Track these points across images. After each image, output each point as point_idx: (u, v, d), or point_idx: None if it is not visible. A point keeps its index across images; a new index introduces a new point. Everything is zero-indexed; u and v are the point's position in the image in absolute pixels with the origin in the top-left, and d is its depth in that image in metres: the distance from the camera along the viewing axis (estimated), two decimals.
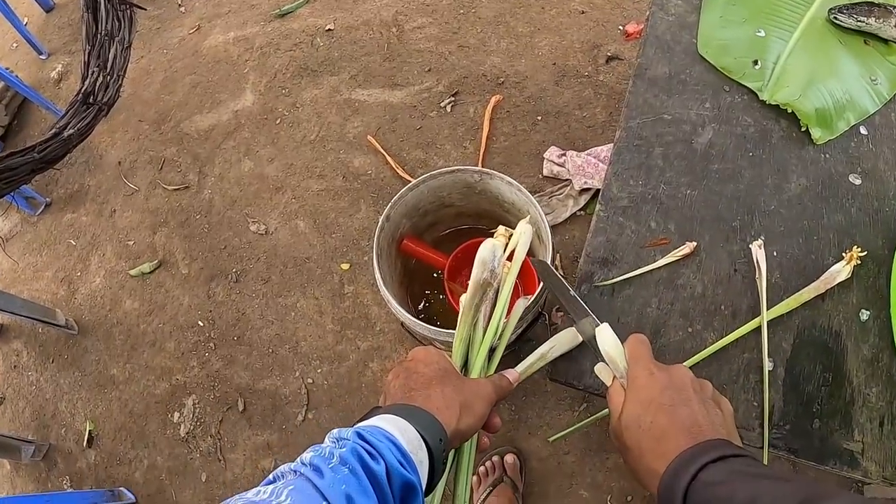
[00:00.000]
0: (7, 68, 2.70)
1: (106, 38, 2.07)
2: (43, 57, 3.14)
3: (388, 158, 2.43)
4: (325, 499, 0.49)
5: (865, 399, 0.94)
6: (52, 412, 2.33)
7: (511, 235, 0.96)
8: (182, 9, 3.15)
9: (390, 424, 0.59)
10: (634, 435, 0.70)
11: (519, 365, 0.88)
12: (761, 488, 0.56)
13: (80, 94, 1.98)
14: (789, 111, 1.15)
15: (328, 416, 2.11)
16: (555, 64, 2.54)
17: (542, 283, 1.48)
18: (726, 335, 0.97)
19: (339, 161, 2.50)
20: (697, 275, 1.03)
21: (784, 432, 0.92)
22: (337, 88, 2.66)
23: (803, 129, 1.14)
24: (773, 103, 1.16)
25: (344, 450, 0.55)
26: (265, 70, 2.79)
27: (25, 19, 3.26)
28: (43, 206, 2.70)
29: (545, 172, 2.31)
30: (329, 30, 2.81)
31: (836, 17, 1.23)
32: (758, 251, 1.00)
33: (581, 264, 1.06)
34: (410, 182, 1.61)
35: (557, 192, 2.25)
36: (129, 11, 2.17)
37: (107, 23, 2.07)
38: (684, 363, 0.94)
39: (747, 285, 1.02)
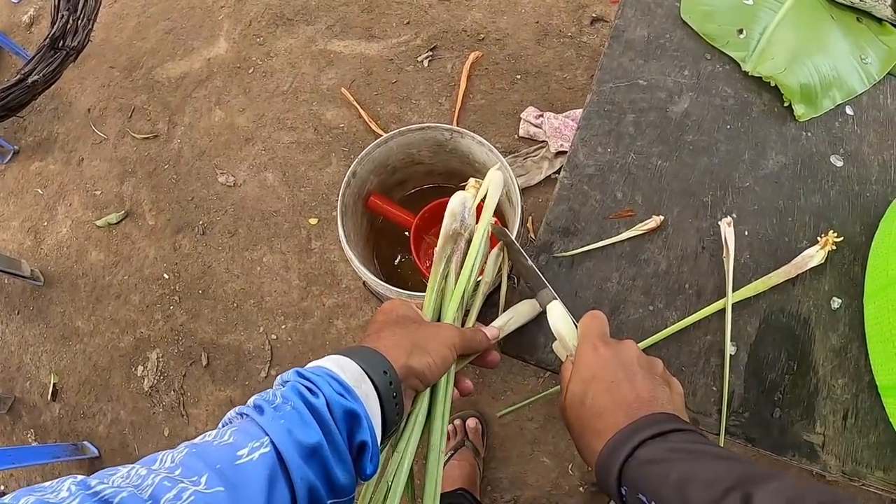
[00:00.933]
0: None
1: None
2: (15, 1, 3.05)
3: (362, 112, 2.38)
4: (266, 434, 0.51)
5: (830, 390, 0.90)
6: (17, 365, 2.30)
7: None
8: None
9: (331, 362, 0.59)
10: (576, 412, 0.69)
11: (497, 320, 0.86)
12: (696, 466, 0.55)
13: (48, 39, 1.94)
14: (772, 84, 1.10)
15: None
16: (537, 22, 2.48)
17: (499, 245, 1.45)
18: (689, 315, 0.93)
19: (311, 113, 2.45)
20: (663, 251, 0.99)
21: (742, 420, 0.89)
22: (312, 38, 2.60)
23: (786, 105, 1.09)
24: (756, 75, 1.11)
25: (284, 388, 0.56)
26: (240, 17, 2.71)
27: None
28: (11, 154, 2.64)
29: (521, 133, 2.27)
30: None
31: None
32: (727, 229, 0.95)
33: (540, 233, 1.01)
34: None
35: (533, 154, 2.21)
36: None
37: None
38: (643, 342, 0.92)
39: (715, 265, 0.97)
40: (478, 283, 0.85)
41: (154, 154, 2.50)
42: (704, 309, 0.93)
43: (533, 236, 2.08)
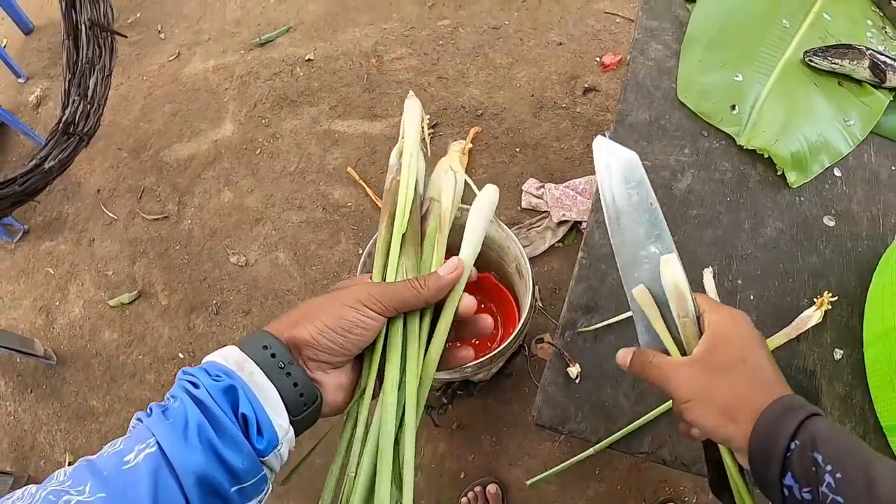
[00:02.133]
0: None
1: (87, 66, 2.08)
2: (21, 80, 3.13)
3: (368, 190, 2.45)
4: (153, 434, 0.52)
5: None
6: (30, 444, 2.31)
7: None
8: (162, 35, 3.16)
9: (216, 354, 0.59)
10: (732, 371, 0.64)
11: (461, 250, 0.73)
12: (882, 457, 0.55)
13: (61, 124, 1.98)
14: (766, 156, 1.17)
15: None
16: (533, 96, 2.58)
17: (521, 318, 1.50)
18: None
19: (318, 193, 2.52)
20: None
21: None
22: (317, 119, 2.68)
23: (779, 174, 1.16)
24: (751, 148, 1.18)
25: (174, 387, 0.56)
26: (245, 99, 2.81)
27: (4, 41, 3.26)
28: (21, 234, 2.68)
29: (524, 205, 2.35)
30: (309, 59, 2.84)
31: (811, 60, 1.26)
32: (708, 279, 1.02)
33: (564, 311, 1.06)
34: None
35: (536, 224, 2.28)
36: (110, 39, 2.18)
37: (88, 50, 2.08)
38: (666, 403, 0.96)
39: None
40: (426, 214, 0.75)
41: (165, 235, 2.55)
42: None
43: (540, 304, 2.15)
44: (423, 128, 0.80)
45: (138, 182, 2.70)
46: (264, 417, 0.55)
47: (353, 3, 3.00)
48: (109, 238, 2.60)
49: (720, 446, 0.67)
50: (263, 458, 0.55)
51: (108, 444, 0.53)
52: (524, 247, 2.22)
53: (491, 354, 1.47)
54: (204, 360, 0.59)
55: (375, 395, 0.65)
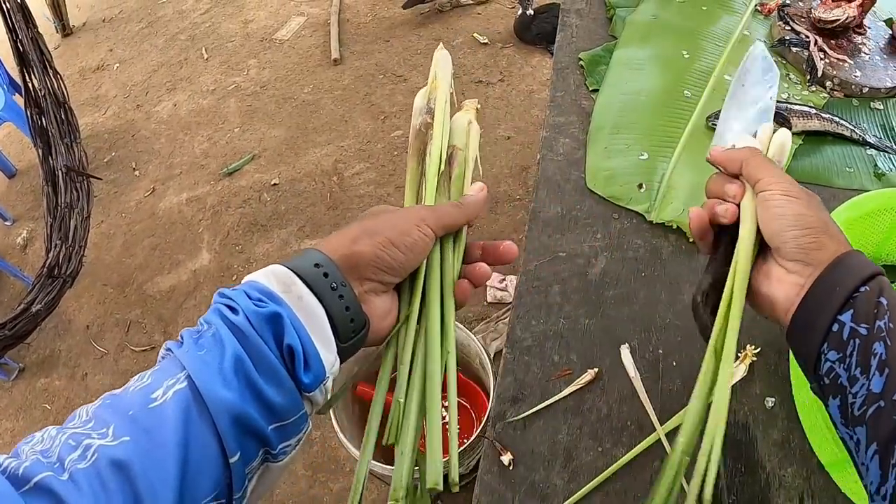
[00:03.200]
0: None
1: (66, 209, 2.18)
2: (8, 223, 3.21)
3: None
4: (184, 367, 0.48)
5: (781, 481, 0.95)
6: None
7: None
8: (137, 172, 3.30)
9: (260, 273, 0.56)
10: (814, 206, 0.66)
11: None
12: None
13: (45, 268, 2.05)
14: (675, 227, 1.19)
15: None
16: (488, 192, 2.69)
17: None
18: (633, 449, 0.99)
19: None
20: (602, 397, 1.06)
21: None
22: (286, 241, 2.79)
23: (691, 241, 1.18)
24: (660, 222, 1.20)
25: (207, 313, 0.53)
26: (218, 228, 2.92)
27: None
28: (16, 372, 2.72)
29: (490, 299, 2.45)
30: (274, 184, 2.98)
31: (713, 124, 1.27)
32: (626, 356, 1.06)
33: (492, 405, 1.08)
34: None
35: (503, 317, 2.38)
36: (85, 182, 2.29)
37: (66, 195, 2.18)
38: (597, 478, 0.98)
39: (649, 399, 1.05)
40: (450, 159, 0.80)
41: (154, 365, 2.62)
42: (643, 441, 0.99)
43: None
44: (451, 79, 0.83)
45: (125, 315, 2.79)
46: (312, 349, 0.52)
47: (312, 124, 3.16)
48: (101, 371, 2.67)
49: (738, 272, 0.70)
50: (308, 393, 0.52)
51: (136, 377, 0.50)
52: (493, 339, 2.33)
53: (468, 443, 1.57)
54: (245, 280, 0.55)
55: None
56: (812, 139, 1.33)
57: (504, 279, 2.42)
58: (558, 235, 1.24)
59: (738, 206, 0.73)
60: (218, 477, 0.46)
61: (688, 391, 1.00)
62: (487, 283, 2.44)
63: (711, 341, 0.71)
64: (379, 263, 0.58)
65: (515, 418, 1.07)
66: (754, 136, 0.82)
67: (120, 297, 2.86)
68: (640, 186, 1.26)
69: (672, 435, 0.98)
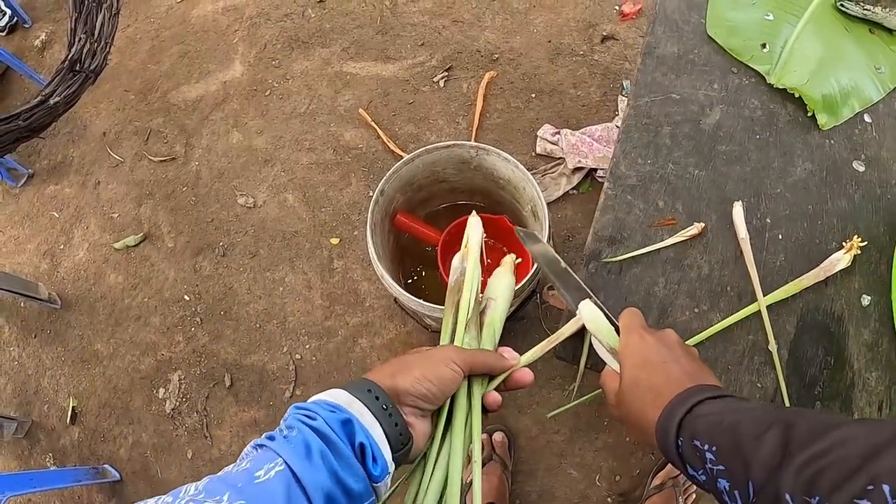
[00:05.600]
0: None
1: (94, 4, 2.04)
2: (27, 25, 3.06)
3: (380, 132, 2.40)
4: (279, 455, 0.57)
5: (865, 383, 0.95)
6: (34, 388, 2.30)
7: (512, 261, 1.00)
8: None
9: (323, 395, 0.67)
10: (633, 396, 0.76)
11: (525, 355, 0.89)
12: (745, 414, 0.62)
13: (67, 62, 1.94)
14: (796, 95, 1.14)
15: (316, 392, 2.07)
16: (550, 41, 2.50)
17: (535, 265, 1.46)
18: (731, 316, 0.97)
19: (329, 134, 2.47)
20: (704, 255, 1.03)
21: None
22: (328, 61, 2.62)
23: (809, 115, 1.13)
24: (781, 87, 1.15)
25: (287, 420, 0.63)
26: (255, 41, 2.74)
27: None
28: (25, 178, 2.65)
29: (538, 150, 2.30)
30: (321, 1, 2.76)
31: (842, 5, 1.22)
32: (737, 213, 1.03)
33: (589, 242, 1.05)
34: (403, 157, 1.59)
35: (551, 171, 2.23)
36: None
37: None
38: (690, 340, 0.96)
39: None
40: (484, 308, 0.91)
41: (172, 177, 2.51)
42: (743, 310, 0.98)
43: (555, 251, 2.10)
44: (482, 242, 0.95)
45: (145, 124, 2.66)
46: (377, 449, 0.63)
47: None
48: (115, 180, 2.57)
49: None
50: (376, 483, 0.63)
51: (230, 466, 0.59)
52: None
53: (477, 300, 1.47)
54: (312, 399, 0.67)
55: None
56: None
57: (557, 132, 2.24)
58: (673, 76, 1.19)
59: None
60: None
61: (792, 268, 1.03)
62: (538, 133, 2.31)
63: None
64: (415, 393, 0.69)
65: (612, 259, 1.04)
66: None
67: (141, 105, 2.72)
68: (764, 46, 1.21)
69: (773, 308, 0.98)
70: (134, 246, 2.42)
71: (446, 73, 2.49)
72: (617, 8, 2.55)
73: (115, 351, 2.28)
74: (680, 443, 0.67)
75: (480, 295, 0.92)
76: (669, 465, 1.90)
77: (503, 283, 0.93)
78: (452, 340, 0.85)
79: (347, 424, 0.63)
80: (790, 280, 0.99)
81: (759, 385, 0.95)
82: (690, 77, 1.18)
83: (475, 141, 2.30)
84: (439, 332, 0.88)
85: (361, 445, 0.62)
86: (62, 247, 2.49)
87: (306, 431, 0.60)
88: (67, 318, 2.37)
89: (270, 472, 0.56)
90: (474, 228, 0.96)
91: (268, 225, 2.35)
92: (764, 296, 0.98)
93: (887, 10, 1.19)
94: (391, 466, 0.65)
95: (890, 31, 1.23)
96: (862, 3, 1.20)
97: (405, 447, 0.68)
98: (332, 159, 2.42)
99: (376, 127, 2.41)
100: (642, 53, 1.21)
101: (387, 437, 0.65)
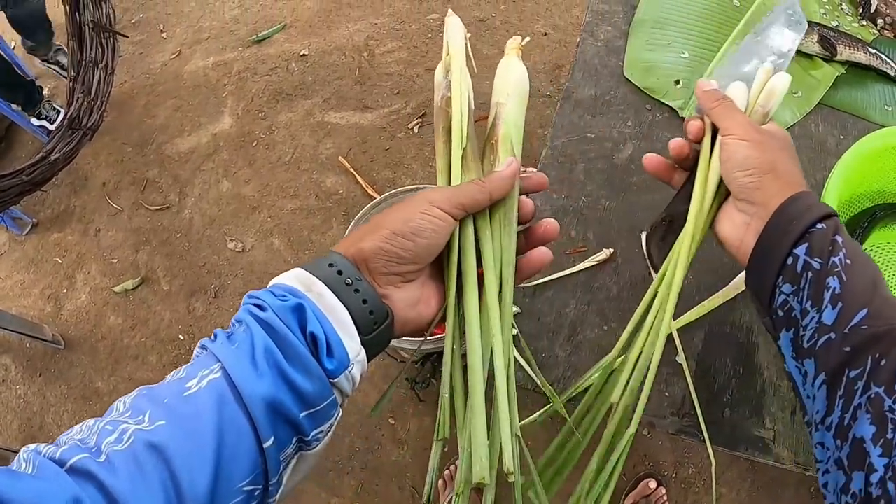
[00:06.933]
0: None
1: (91, 64, 2.14)
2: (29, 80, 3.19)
3: (359, 178, 2.54)
4: (218, 360, 0.50)
5: (777, 389, 1.00)
6: (38, 424, 2.38)
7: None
8: (164, 35, 3.23)
9: (282, 276, 0.58)
10: (782, 154, 0.69)
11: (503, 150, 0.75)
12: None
13: (66, 120, 2.05)
14: None
15: None
16: None
17: None
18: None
19: (312, 181, 2.60)
20: (614, 278, 1.09)
21: (695, 421, 0.95)
22: (311, 111, 2.76)
23: None
24: None
25: (240, 312, 0.55)
26: (243, 94, 2.88)
27: (12, 43, 3.33)
28: (30, 226, 2.75)
29: None
30: (303, 55, 2.92)
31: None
32: (643, 239, 1.06)
33: None
34: None
35: None
36: (112, 39, 2.24)
37: (91, 50, 2.14)
38: (600, 361, 0.97)
39: None
40: (495, 121, 0.78)
41: (167, 224, 2.64)
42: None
43: None
44: (466, 43, 0.78)
45: (142, 174, 2.79)
46: (334, 337, 0.53)
47: None
48: (114, 228, 2.69)
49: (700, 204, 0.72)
50: (333, 379, 0.53)
51: (171, 373, 0.52)
52: None
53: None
54: (270, 284, 0.58)
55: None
56: (856, 71, 1.33)
57: (526, 170, 2.37)
58: (589, 117, 1.25)
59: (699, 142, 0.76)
60: (253, 462, 0.49)
61: (702, 287, 1.05)
62: None
63: (661, 271, 0.75)
64: (385, 256, 0.58)
65: (525, 285, 1.08)
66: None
67: (138, 156, 2.85)
68: (678, 83, 1.27)
69: (680, 327, 1.01)
70: (132, 289, 2.54)
71: (420, 120, 2.63)
72: None
73: (115, 388, 2.38)
74: (819, 226, 0.60)
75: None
76: (641, 485, 1.97)
77: (514, 76, 0.78)
78: (448, 182, 0.70)
79: (297, 312, 0.53)
80: (698, 297, 1.04)
81: (666, 394, 1.00)
82: (606, 117, 1.25)
83: None
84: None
85: (313, 335, 0.52)
86: (65, 290, 2.60)
87: (253, 325, 0.52)
88: (70, 358, 2.46)
89: (203, 380, 0.49)
90: (454, 30, 0.78)
91: (256, 268, 2.47)
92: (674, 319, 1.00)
93: (804, 37, 1.23)
94: (354, 355, 0.55)
95: (809, 56, 1.30)
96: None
97: (380, 325, 0.58)
98: (314, 205, 2.55)
99: (355, 173, 2.55)
100: (561, 98, 1.29)
101: (354, 317, 0.55)
